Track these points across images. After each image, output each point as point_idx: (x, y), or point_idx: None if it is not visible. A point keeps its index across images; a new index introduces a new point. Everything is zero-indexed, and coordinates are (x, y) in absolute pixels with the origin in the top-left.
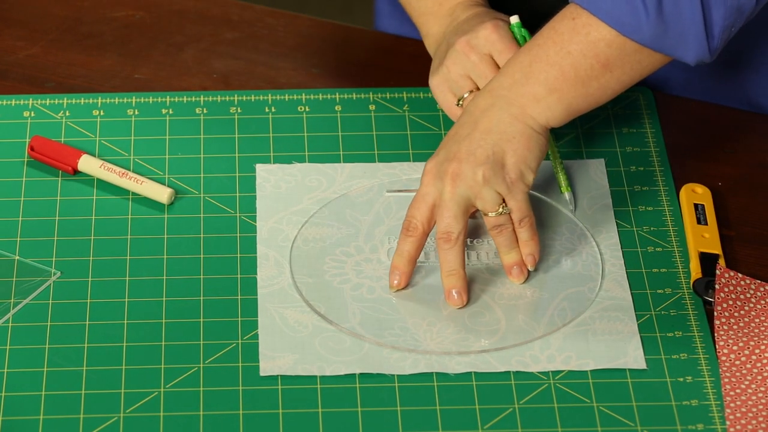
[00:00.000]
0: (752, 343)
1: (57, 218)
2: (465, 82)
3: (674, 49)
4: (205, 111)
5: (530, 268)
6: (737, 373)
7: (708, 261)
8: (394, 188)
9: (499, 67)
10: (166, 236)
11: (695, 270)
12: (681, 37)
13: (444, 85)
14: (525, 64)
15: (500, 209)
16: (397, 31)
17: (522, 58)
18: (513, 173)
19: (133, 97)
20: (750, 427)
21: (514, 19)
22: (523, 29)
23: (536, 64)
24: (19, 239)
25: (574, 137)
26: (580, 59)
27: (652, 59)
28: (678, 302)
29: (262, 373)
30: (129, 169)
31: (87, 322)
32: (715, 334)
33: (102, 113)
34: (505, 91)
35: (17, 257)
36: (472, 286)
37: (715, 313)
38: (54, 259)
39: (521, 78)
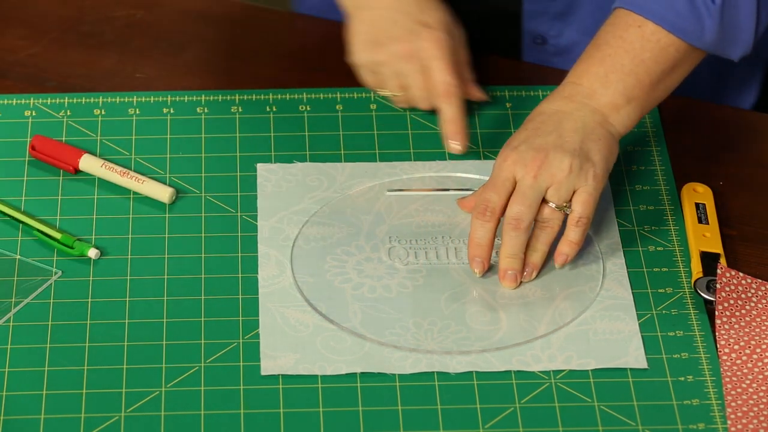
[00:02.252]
0: (753, 342)
1: (58, 217)
2: (393, 81)
3: (726, 48)
4: (206, 110)
5: (556, 266)
6: (738, 373)
7: (709, 260)
8: (395, 188)
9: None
10: (167, 235)
11: (696, 269)
12: (735, 38)
13: (370, 67)
14: (601, 75)
15: (565, 204)
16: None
17: (596, 69)
18: (598, 169)
19: (135, 97)
20: (751, 426)
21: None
22: None
23: (612, 75)
24: (20, 238)
25: None
26: (653, 66)
27: (703, 56)
28: (679, 302)
29: (263, 373)
30: (130, 169)
31: (88, 322)
32: (716, 334)
33: (103, 112)
34: (587, 100)
35: (18, 257)
36: (472, 286)
37: (716, 313)
38: (55, 258)
39: (600, 88)
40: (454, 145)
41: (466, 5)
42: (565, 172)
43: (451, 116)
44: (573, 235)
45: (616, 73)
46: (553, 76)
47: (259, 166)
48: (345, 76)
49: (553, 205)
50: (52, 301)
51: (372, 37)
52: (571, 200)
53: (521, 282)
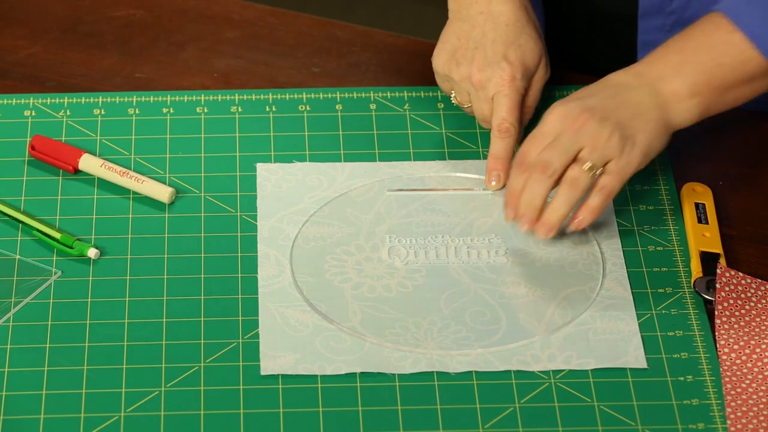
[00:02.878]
0: (753, 342)
1: (58, 217)
2: (462, 96)
3: None
4: (205, 110)
5: (571, 228)
6: (738, 373)
7: (709, 260)
8: (395, 187)
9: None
10: (166, 235)
11: (696, 269)
12: None
13: (444, 76)
14: (676, 63)
15: (596, 169)
16: None
17: (673, 57)
18: (637, 149)
19: (134, 96)
20: (751, 426)
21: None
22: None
23: (687, 67)
24: (19, 239)
25: None
26: (729, 73)
27: None
28: (679, 301)
29: (262, 373)
30: (130, 169)
31: (87, 322)
32: (716, 334)
33: (103, 112)
34: (654, 81)
35: (18, 256)
36: (472, 285)
37: (716, 313)
38: (55, 258)
39: (670, 75)
40: (493, 181)
41: (582, 6)
42: (604, 138)
43: (498, 153)
44: (593, 200)
45: (691, 66)
46: (552, 76)
47: (259, 166)
48: (345, 76)
49: (585, 166)
50: (51, 301)
51: (454, 51)
52: (602, 168)
53: (535, 235)
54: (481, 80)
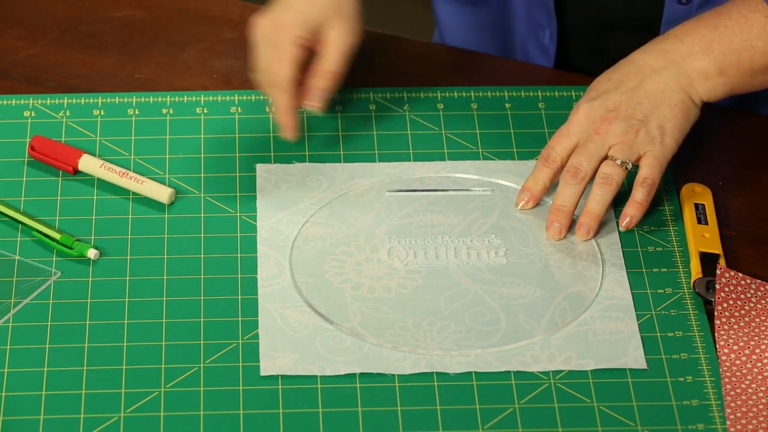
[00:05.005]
0: (753, 342)
1: (57, 218)
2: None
3: None
4: (205, 111)
5: (621, 229)
6: (737, 373)
7: (708, 261)
8: (395, 188)
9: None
10: (166, 236)
11: (696, 270)
12: None
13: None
14: (707, 40)
15: (628, 162)
16: None
17: (705, 33)
18: (668, 137)
19: (134, 97)
20: (750, 426)
21: None
22: None
23: (717, 45)
24: (19, 239)
25: None
26: (760, 56)
27: None
28: (678, 302)
29: (262, 373)
30: (129, 169)
31: (87, 322)
32: (716, 334)
33: (102, 113)
34: (680, 59)
35: (18, 257)
36: (472, 286)
37: (716, 313)
38: (54, 258)
39: (698, 52)
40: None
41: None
42: (632, 136)
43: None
44: (638, 195)
45: (722, 45)
46: (553, 76)
47: (259, 166)
48: (345, 76)
49: (617, 161)
50: (51, 301)
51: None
52: (636, 162)
53: (573, 238)
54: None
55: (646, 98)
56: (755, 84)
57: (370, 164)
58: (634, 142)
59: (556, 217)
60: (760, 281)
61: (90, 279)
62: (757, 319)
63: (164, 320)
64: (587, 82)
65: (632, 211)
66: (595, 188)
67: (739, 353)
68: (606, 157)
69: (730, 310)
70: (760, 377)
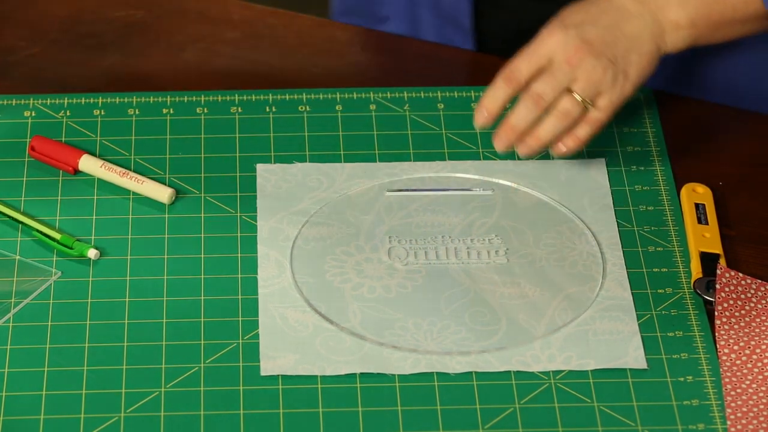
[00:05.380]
0: (753, 342)
1: (57, 218)
2: None
3: None
4: (205, 111)
5: (553, 153)
6: (738, 373)
7: (709, 261)
8: (395, 188)
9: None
10: (166, 236)
11: (696, 270)
12: None
13: None
14: None
15: (589, 102)
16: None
17: None
18: (629, 84)
19: (134, 97)
20: (751, 426)
21: None
22: None
23: None
24: (19, 239)
25: None
26: (730, 10)
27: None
28: (679, 302)
29: (262, 373)
30: (130, 169)
31: (87, 322)
32: (716, 334)
33: (103, 113)
34: (656, 8)
35: (18, 257)
36: (472, 286)
37: (716, 313)
38: (54, 258)
39: (675, 3)
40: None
41: None
42: (599, 74)
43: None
44: (583, 132)
45: None
46: None
47: (259, 166)
48: (345, 76)
49: (578, 98)
50: (51, 301)
51: None
52: (593, 100)
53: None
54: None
55: (621, 40)
56: (717, 37)
57: (370, 164)
58: (599, 81)
59: (507, 135)
60: (760, 281)
61: (90, 279)
62: (758, 319)
63: (164, 320)
64: None
65: (570, 144)
66: (550, 118)
67: (740, 353)
68: (568, 89)
69: (731, 310)
70: (760, 377)
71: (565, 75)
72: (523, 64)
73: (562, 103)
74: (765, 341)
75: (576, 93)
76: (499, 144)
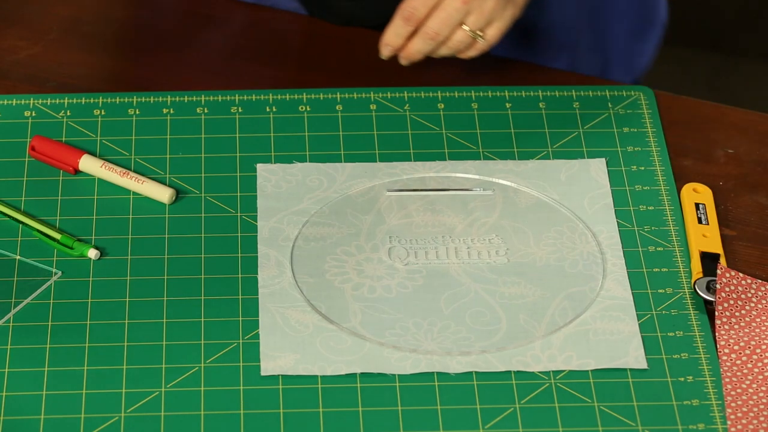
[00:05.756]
0: (753, 342)
1: (58, 218)
2: None
3: None
4: (206, 110)
5: (436, 52)
6: (738, 373)
7: (709, 260)
8: (395, 188)
9: None
10: (167, 236)
11: (696, 269)
12: None
13: None
14: None
15: (479, 33)
16: None
17: None
18: (517, 10)
19: (134, 97)
20: (751, 426)
21: None
22: None
23: None
24: (19, 239)
25: (575, 137)
26: None
27: None
28: (679, 302)
29: (263, 373)
30: (130, 169)
31: (88, 322)
32: (716, 334)
33: (103, 113)
34: None
35: (18, 257)
36: (472, 285)
37: (716, 313)
38: (55, 258)
39: None
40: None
41: None
42: (490, 6)
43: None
44: (471, 53)
45: None
46: (553, 76)
47: (259, 166)
48: (345, 76)
49: (467, 29)
50: (52, 301)
51: None
52: (483, 30)
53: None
54: None
55: None
56: None
57: (370, 164)
58: (490, 11)
59: (393, 54)
60: (760, 281)
61: (90, 279)
62: (758, 319)
63: (164, 320)
64: (587, 82)
65: (452, 57)
66: (442, 49)
67: (740, 353)
68: (461, 22)
69: (731, 310)
70: (760, 377)
71: (459, 11)
72: (419, 4)
73: (454, 37)
74: (765, 341)
75: (466, 26)
76: (384, 53)
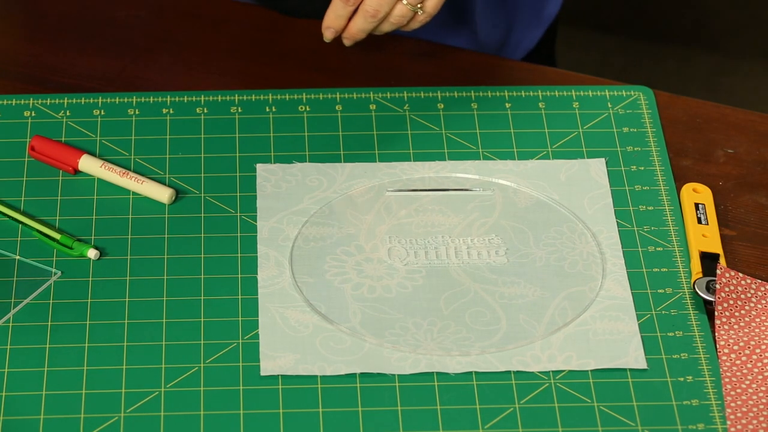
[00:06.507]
0: (753, 342)
1: (57, 218)
2: None
3: None
4: (205, 111)
5: (378, 28)
6: (738, 373)
7: (709, 261)
8: (395, 188)
9: None
10: (166, 236)
11: (696, 270)
12: None
13: None
14: None
15: (418, 6)
16: None
17: None
18: None
19: (134, 97)
20: (751, 426)
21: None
22: None
23: None
24: (19, 239)
25: (575, 137)
26: None
27: None
28: (678, 302)
29: (262, 373)
30: (130, 169)
31: (87, 322)
32: (716, 334)
33: (103, 113)
34: None
35: (18, 257)
36: (472, 285)
37: (716, 313)
38: (54, 258)
39: None
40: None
41: None
42: None
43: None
44: (414, 25)
45: None
46: (553, 76)
47: (259, 166)
48: (345, 76)
49: (406, 3)
50: (51, 301)
51: None
52: (422, 3)
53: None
54: None
55: None
56: None
57: (370, 164)
58: None
59: (335, 36)
60: (760, 281)
61: (90, 279)
62: (758, 319)
63: (164, 320)
64: (588, 82)
65: (398, 29)
66: (384, 25)
67: (740, 353)
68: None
69: (731, 310)
70: (760, 377)
71: None
72: None
73: (395, 12)
74: (765, 341)
75: (405, 1)
76: (325, 36)
